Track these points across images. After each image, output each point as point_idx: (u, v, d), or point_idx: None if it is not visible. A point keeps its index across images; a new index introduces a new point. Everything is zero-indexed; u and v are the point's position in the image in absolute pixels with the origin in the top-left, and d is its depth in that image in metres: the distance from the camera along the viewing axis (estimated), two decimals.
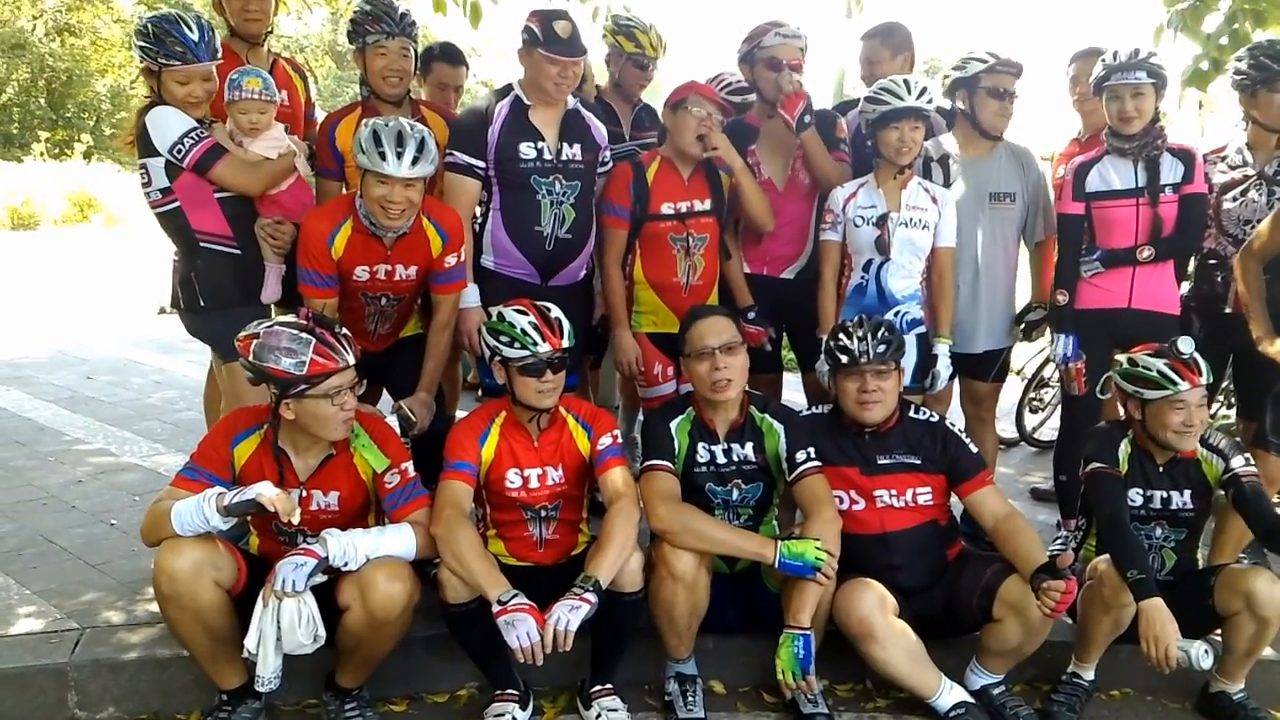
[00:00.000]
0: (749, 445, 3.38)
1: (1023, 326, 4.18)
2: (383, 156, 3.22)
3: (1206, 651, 2.96)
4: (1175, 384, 3.21)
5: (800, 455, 3.31)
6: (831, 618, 3.22)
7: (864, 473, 3.37)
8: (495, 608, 2.82)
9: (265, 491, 2.78)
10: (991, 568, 3.24)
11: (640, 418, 4.32)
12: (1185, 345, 3.24)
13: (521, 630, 2.77)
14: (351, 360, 2.92)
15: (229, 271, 3.63)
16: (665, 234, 3.86)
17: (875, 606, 3.14)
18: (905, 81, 3.72)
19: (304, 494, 3.05)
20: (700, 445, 3.37)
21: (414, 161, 3.26)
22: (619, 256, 3.91)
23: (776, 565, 3.04)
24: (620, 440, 3.31)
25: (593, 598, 2.85)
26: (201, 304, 3.64)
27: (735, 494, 3.40)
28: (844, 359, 3.31)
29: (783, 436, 3.37)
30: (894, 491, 3.36)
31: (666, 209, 3.85)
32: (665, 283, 3.91)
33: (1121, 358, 3.37)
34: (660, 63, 4.70)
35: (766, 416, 3.40)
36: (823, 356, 3.82)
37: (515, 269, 3.78)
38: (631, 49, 4.57)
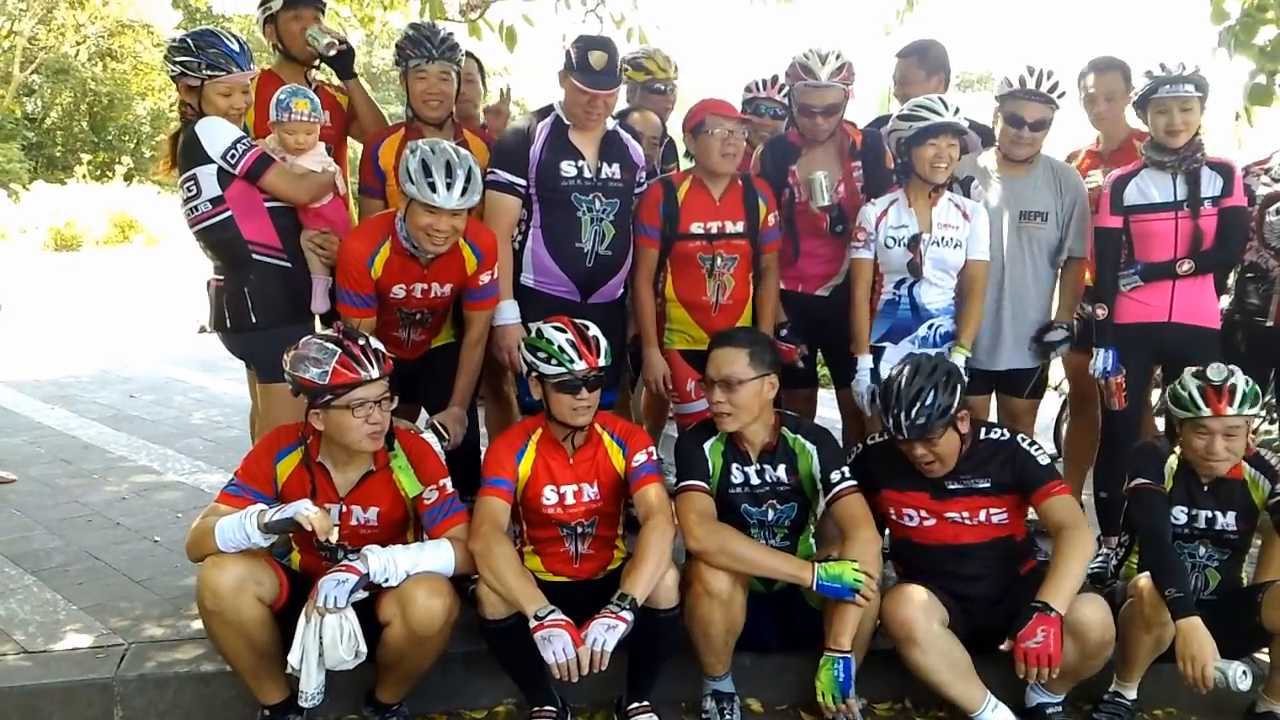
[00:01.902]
0: (781, 467, 3.36)
1: (1041, 346, 4.04)
2: (433, 188, 3.24)
3: (1245, 673, 2.90)
4: (1199, 409, 3.18)
5: (835, 475, 3.28)
6: (875, 635, 3.20)
7: (934, 498, 3.31)
8: (532, 623, 2.83)
9: (304, 510, 2.82)
10: None
11: (665, 435, 4.32)
12: (1215, 372, 3.19)
13: (558, 646, 2.78)
14: (376, 374, 2.94)
15: (281, 285, 3.63)
16: (694, 254, 3.87)
17: (920, 611, 3.10)
18: (941, 99, 3.70)
19: (344, 509, 3.08)
20: (734, 466, 3.36)
21: (463, 192, 3.29)
22: (650, 275, 3.93)
23: (815, 588, 3.02)
24: (655, 457, 3.32)
25: (629, 616, 2.86)
26: (254, 320, 3.61)
27: (770, 514, 3.39)
28: (890, 430, 3.21)
29: (816, 457, 3.34)
30: (966, 513, 3.31)
31: (696, 229, 3.86)
32: (695, 301, 3.92)
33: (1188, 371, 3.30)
34: (677, 82, 4.70)
35: (799, 437, 3.38)
36: (861, 377, 3.83)
37: (555, 286, 3.81)
38: (642, 78, 4.63)
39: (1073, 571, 3.04)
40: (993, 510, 3.30)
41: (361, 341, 2.99)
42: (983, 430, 3.37)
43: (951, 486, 3.29)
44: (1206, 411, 3.17)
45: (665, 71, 4.61)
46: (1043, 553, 3.49)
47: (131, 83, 28.64)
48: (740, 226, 3.89)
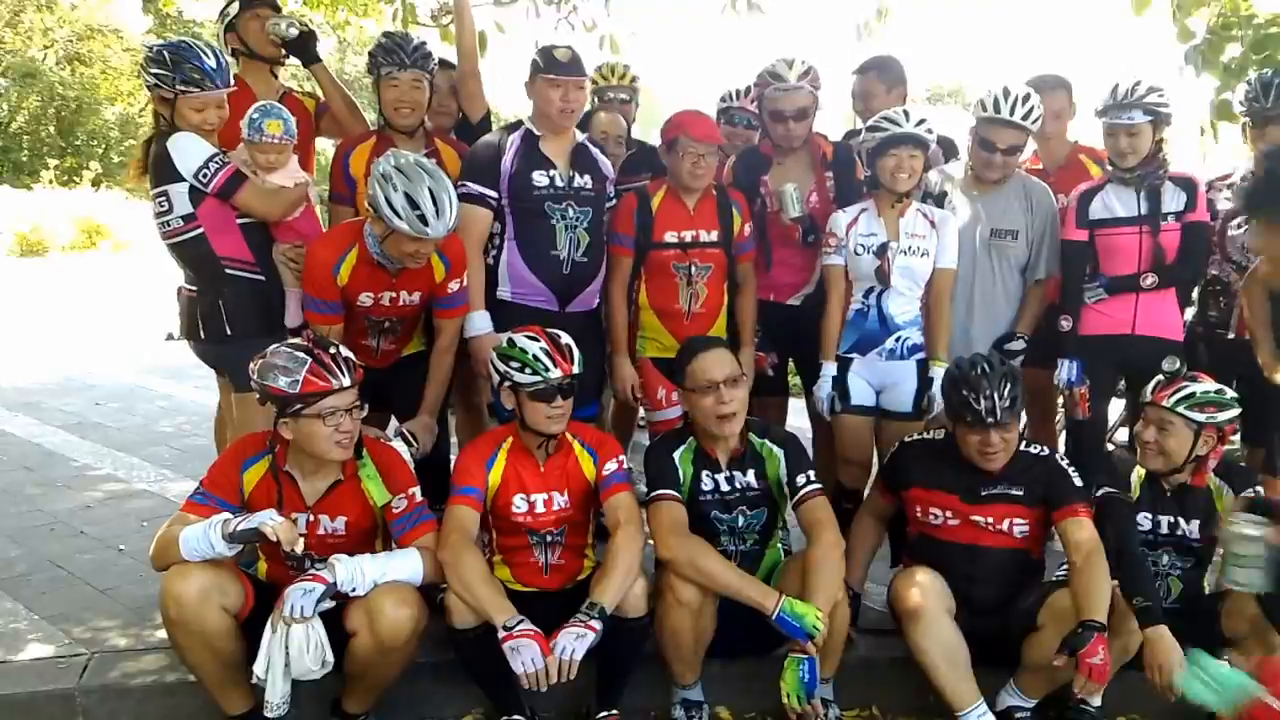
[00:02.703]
0: (750, 472, 3.39)
1: (1000, 354, 4.07)
2: (423, 220, 3.21)
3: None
4: (1147, 395, 3.29)
5: (801, 479, 3.32)
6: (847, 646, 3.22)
7: (964, 500, 3.35)
8: (501, 633, 2.83)
9: (268, 521, 2.80)
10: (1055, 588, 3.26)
11: (635, 443, 4.31)
12: (1167, 363, 3.29)
13: (526, 656, 2.78)
14: (347, 383, 2.93)
15: (255, 299, 3.64)
16: (668, 262, 3.89)
17: (931, 591, 3.17)
18: (904, 112, 3.75)
19: (311, 519, 3.06)
20: (704, 474, 3.38)
21: (451, 213, 3.29)
22: (624, 284, 3.95)
23: (774, 619, 3.00)
24: (625, 466, 3.33)
25: (598, 625, 2.86)
26: (229, 333, 3.61)
27: (740, 520, 3.40)
28: (969, 416, 3.24)
29: (783, 461, 3.37)
30: (991, 519, 3.34)
31: (670, 237, 3.88)
32: (668, 309, 3.94)
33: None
34: (635, 88, 4.72)
35: (766, 442, 3.41)
36: (823, 383, 3.83)
37: (533, 297, 3.81)
38: (591, 88, 4.64)
39: (1105, 591, 3.08)
40: (1017, 521, 3.35)
41: (332, 350, 2.97)
42: (1023, 442, 3.42)
43: (985, 492, 3.33)
44: (1149, 398, 3.28)
45: (609, 79, 4.63)
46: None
47: (100, 87, 28.34)
48: (715, 236, 3.91)
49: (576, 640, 2.82)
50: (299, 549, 2.82)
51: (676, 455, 3.37)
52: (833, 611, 3.05)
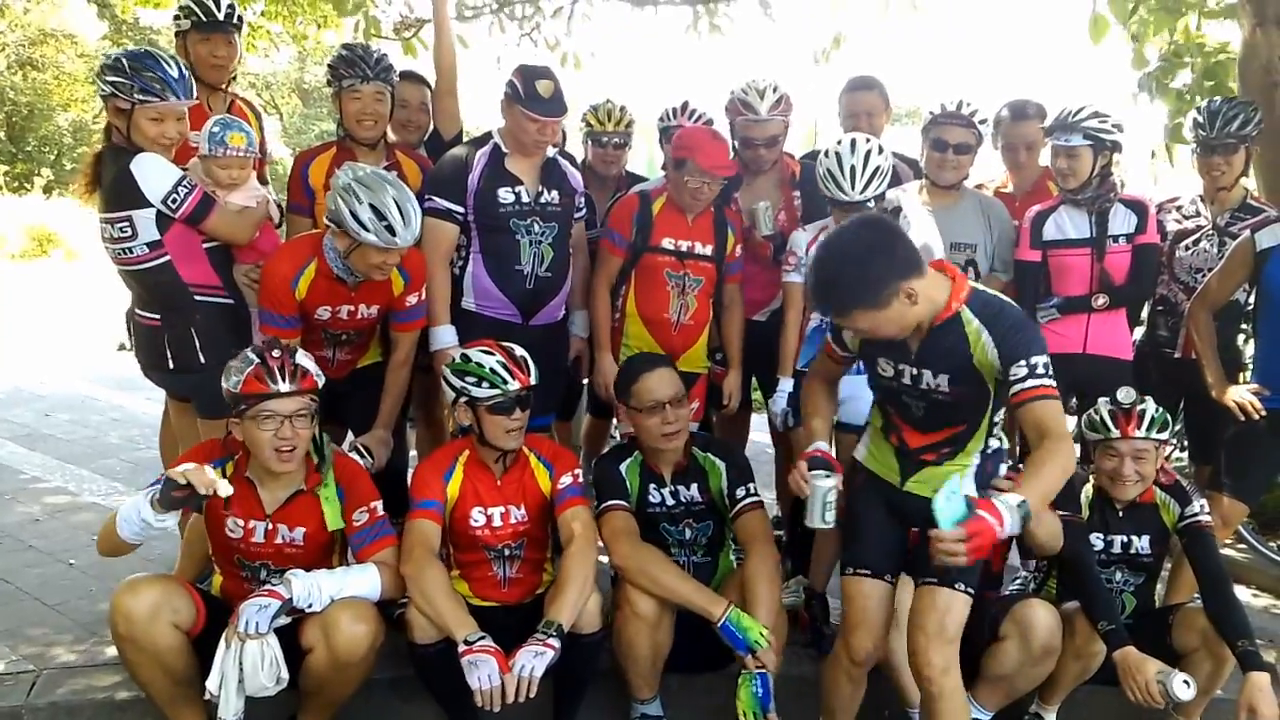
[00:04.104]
0: (694, 486, 3.42)
1: None
2: (391, 230, 3.18)
3: (1186, 682, 2.99)
4: (1109, 431, 3.31)
5: (740, 492, 3.36)
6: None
7: None
8: (461, 647, 2.82)
9: (176, 472, 2.76)
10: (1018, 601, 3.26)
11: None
12: (1124, 395, 3.32)
13: (484, 672, 2.77)
14: (285, 388, 2.86)
15: (226, 323, 3.54)
16: (662, 268, 3.90)
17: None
18: (852, 171, 3.61)
19: (269, 527, 3.03)
20: (650, 487, 3.41)
21: (417, 223, 3.28)
22: (609, 280, 3.95)
23: (718, 627, 3.02)
24: (581, 480, 3.33)
25: (555, 643, 2.86)
26: (203, 360, 3.47)
27: (688, 533, 3.44)
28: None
29: (724, 474, 3.41)
30: None
31: (667, 244, 3.89)
32: (656, 318, 3.94)
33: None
34: (628, 132, 4.65)
35: (709, 455, 3.44)
36: (778, 398, 3.89)
37: (497, 309, 3.81)
38: (584, 129, 4.65)
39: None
40: None
41: (278, 353, 2.92)
42: None
43: None
44: (1116, 434, 3.30)
45: (604, 124, 4.59)
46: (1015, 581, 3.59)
47: (53, 93, 27.90)
48: (709, 250, 3.93)
49: (535, 658, 2.81)
50: (222, 490, 2.77)
51: (623, 468, 3.41)
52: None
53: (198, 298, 3.49)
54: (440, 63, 4.20)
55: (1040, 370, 2.54)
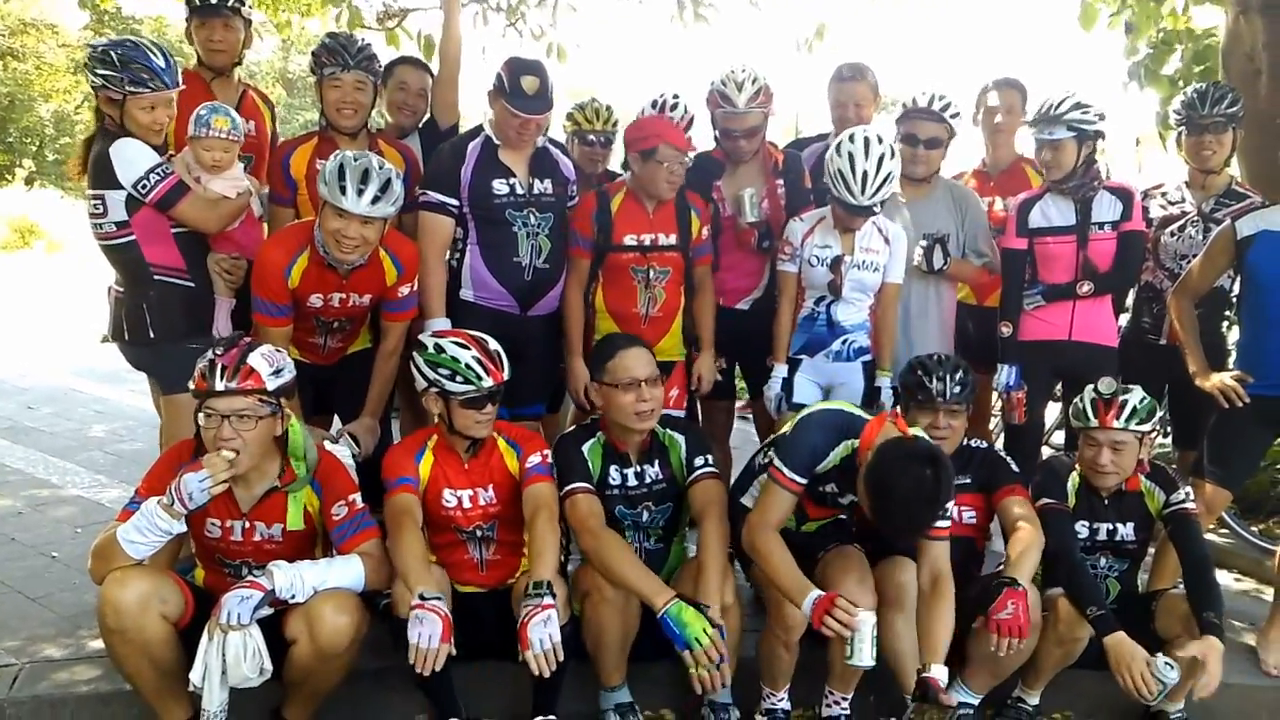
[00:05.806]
0: (657, 463, 3.43)
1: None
2: (343, 191, 3.23)
3: (1169, 664, 3.02)
4: (1089, 419, 3.33)
5: (699, 460, 3.36)
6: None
7: None
8: (414, 600, 2.80)
9: (188, 469, 2.78)
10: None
11: None
12: (1105, 385, 3.34)
13: (426, 630, 2.75)
14: (220, 387, 2.81)
15: (181, 304, 3.59)
16: (626, 265, 3.89)
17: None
18: (864, 177, 3.62)
19: (247, 525, 3.02)
20: (612, 468, 3.41)
21: (374, 200, 3.27)
22: (581, 285, 3.93)
23: (659, 617, 2.93)
24: (550, 460, 3.32)
25: (551, 600, 2.86)
26: (152, 335, 3.58)
27: (645, 516, 3.44)
28: (920, 395, 3.41)
29: (683, 446, 3.42)
30: None
31: (629, 240, 3.87)
32: (625, 313, 3.93)
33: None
34: (612, 132, 4.60)
35: (668, 431, 3.45)
36: (773, 383, 3.87)
37: (495, 300, 3.81)
38: (570, 128, 4.62)
39: (1031, 557, 3.21)
40: (964, 509, 3.47)
41: (226, 351, 2.87)
42: (965, 439, 3.53)
43: None
44: (1095, 423, 3.32)
45: (592, 123, 4.56)
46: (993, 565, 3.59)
47: (34, 83, 27.67)
48: (673, 239, 3.91)
49: (546, 625, 2.80)
50: (227, 456, 2.80)
51: (585, 448, 3.40)
52: (725, 612, 3.05)
53: (156, 277, 3.57)
54: (446, 52, 4.22)
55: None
